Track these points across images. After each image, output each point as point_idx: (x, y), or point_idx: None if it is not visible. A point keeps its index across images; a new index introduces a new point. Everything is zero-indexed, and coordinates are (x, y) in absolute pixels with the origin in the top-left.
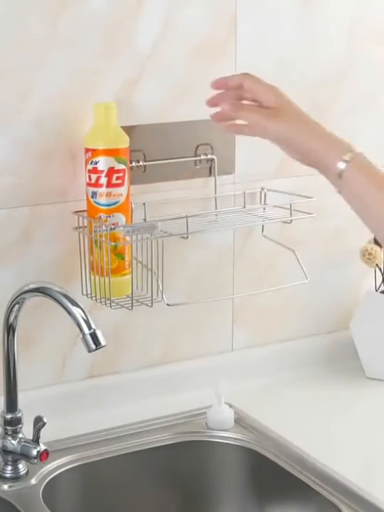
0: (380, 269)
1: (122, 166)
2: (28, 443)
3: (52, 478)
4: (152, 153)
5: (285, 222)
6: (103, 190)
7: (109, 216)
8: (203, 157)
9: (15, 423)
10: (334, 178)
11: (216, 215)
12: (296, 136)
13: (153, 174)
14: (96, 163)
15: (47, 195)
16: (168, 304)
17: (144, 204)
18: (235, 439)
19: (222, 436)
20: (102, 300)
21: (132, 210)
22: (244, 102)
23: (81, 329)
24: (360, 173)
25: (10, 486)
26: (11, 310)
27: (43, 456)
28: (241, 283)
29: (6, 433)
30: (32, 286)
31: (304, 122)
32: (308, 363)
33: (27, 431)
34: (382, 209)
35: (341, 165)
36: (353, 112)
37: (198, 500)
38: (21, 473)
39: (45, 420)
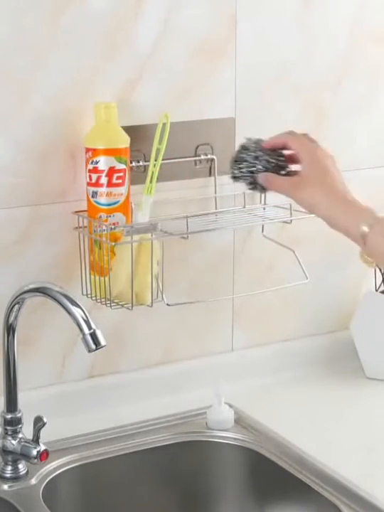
0: (380, 269)
1: (123, 166)
2: (28, 443)
3: (52, 478)
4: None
5: (285, 222)
6: (103, 189)
7: (110, 216)
8: (203, 157)
9: (15, 423)
10: (359, 244)
11: (216, 215)
12: (318, 205)
13: None
14: (96, 162)
15: (47, 195)
16: (168, 304)
17: None
18: (235, 439)
19: (222, 436)
20: (102, 300)
21: (132, 209)
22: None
23: (81, 329)
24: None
25: (10, 486)
26: (11, 310)
27: (43, 456)
28: (241, 283)
29: (6, 433)
30: (32, 286)
31: (327, 192)
32: (308, 363)
33: (27, 431)
34: None
35: (364, 231)
36: (353, 112)
37: (198, 500)
38: (21, 473)
39: (45, 420)
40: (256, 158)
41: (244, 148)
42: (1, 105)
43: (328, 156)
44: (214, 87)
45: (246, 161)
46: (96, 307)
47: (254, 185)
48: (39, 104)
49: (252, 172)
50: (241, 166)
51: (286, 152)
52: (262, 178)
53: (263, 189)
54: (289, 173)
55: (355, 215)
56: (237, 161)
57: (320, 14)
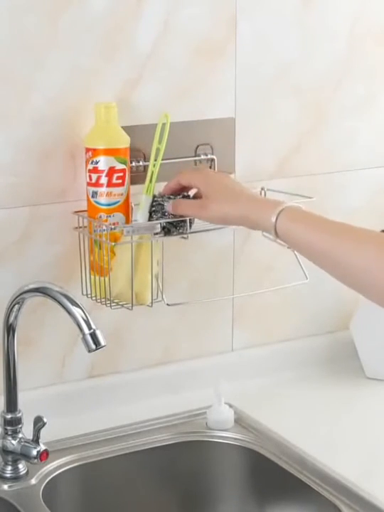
0: None
1: (123, 166)
2: (28, 443)
3: (52, 478)
4: None
5: None
6: (103, 189)
7: (110, 216)
8: (203, 157)
9: (15, 423)
10: (273, 235)
11: None
12: (227, 215)
13: None
14: (96, 162)
15: (47, 195)
16: (168, 304)
17: None
18: (235, 439)
19: (222, 436)
20: (102, 300)
21: (132, 209)
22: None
23: (81, 329)
24: (295, 222)
25: (10, 486)
26: (11, 310)
27: (43, 456)
28: (241, 283)
29: (6, 433)
30: (32, 286)
31: (230, 200)
32: (308, 363)
33: (27, 431)
34: (329, 248)
35: (272, 221)
36: (353, 112)
37: (198, 500)
38: (21, 473)
39: (45, 420)
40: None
41: (153, 203)
42: (1, 105)
43: (218, 173)
44: (214, 87)
45: (156, 212)
46: (96, 307)
47: (169, 229)
48: (39, 104)
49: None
50: (156, 217)
51: (191, 192)
52: (169, 206)
53: (179, 231)
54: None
55: (264, 209)
56: (155, 211)
57: (320, 14)
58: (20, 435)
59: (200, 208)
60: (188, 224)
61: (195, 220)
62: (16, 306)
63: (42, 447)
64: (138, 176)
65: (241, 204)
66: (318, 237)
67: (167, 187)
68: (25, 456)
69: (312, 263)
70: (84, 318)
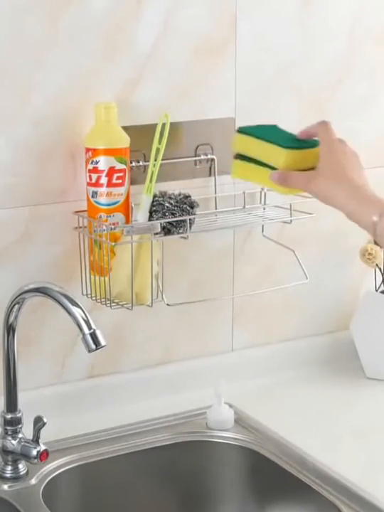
0: (380, 269)
1: (123, 166)
2: (28, 443)
3: (52, 478)
4: None
5: (285, 222)
6: (103, 189)
7: (109, 216)
8: (203, 157)
9: (15, 423)
10: (370, 232)
11: (216, 215)
12: (332, 197)
13: None
14: (96, 162)
15: (47, 195)
16: (168, 304)
17: None
18: (235, 439)
19: (222, 436)
20: (102, 300)
21: (132, 209)
22: None
23: (81, 329)
24: None
25: (10, 486)
26: (11, 310)
27: (43, 456)
28: (241, 283)
29: (6, 433)
30: (32, 286)
31: (340, 184)
32: (308, 363)
33: (27, 431)
34: None
35: (374, 220)
36: (353, 112)
37: (198, 500)
38: (21, 473)
39: (45, 420)
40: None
41: (153, 203)
42: (1, 105)
43: (346, 151)
44: (214, 87)
45: (157, 212)
46: (96, 307)
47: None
48: (39, 104)
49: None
50: (156, 217)
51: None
52: (276, 176)
53: (179, 231)
54: (193, 207)
55: (367, 206)
56: (155, 210)
57: (320, 14)
58: (20, 435)
59: (309, 180)
60: (188, 224)
61: (195, 220)
62: (16, 306)
63: (42, 447)
64: (138, 176)
65: (348, 192)
66: None
67: (306, 130)
68: (25, 456)
69: (314, 264)
70: (84, 318)
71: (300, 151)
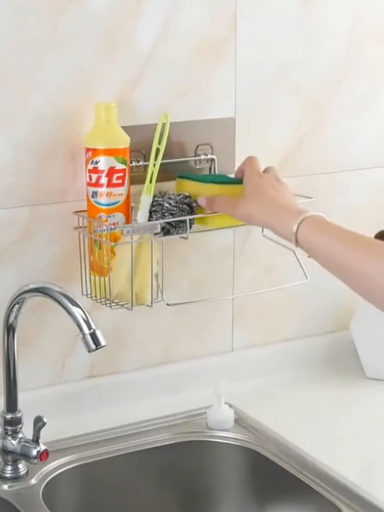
0: None
1: (123, 166)
2: (28, 443)
3: (52, 478)
4: None
5: None
6: (103, 190)
7: (110, 216)
8: (203, 157)
9: (15, 423)
10: (294, 243)
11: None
12: (253, 216)
13: None
14: (96, 162)
15: (47, 195)
16: (168, 304)
17: None
18: (235, 439)
19: (222, 436)
20: (102, 300)
21: (132, 209)
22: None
23: (81, 329)
24: (315, 233)
25: (10, 486)
26: (11, 310)
27: (43, 456)
28: (241, 283)
29: (6, 433)
30: (32, 286)
31: (260, 202)
32: (308, 363)
33: (27, 431)
34: (349, 261)
35: (293, 230)
36: (353, 112)
37: (198, 500)
38: (21, 473)
39: (45, 420)
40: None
41: (153, 203)
42: (1, 105)
43: (266, 176)
44: (214, 87)
45: (156, 212)
46: (96, 307)
47: (169, 229)
48: (39, 104)
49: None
50: (156, 217)
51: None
52: (203, 201)
53: (179, 231)
54: (192, 207)
55: (286, 218)
56: (154, 211)
57: (320, 14)
58: (20, 435)
59: (231, 205)
60: (188, 224)
61: (194, 220)
62: (16, 306)
63: (42, 447)
64: (138, 176)
65: (267, 209)
66: (336, 249)
67: (239, 170)
68: (25, 456)
69: (314, 264)
70: (84, 318)
71: (220, 186)
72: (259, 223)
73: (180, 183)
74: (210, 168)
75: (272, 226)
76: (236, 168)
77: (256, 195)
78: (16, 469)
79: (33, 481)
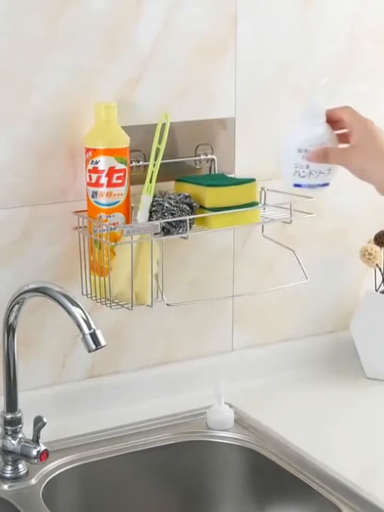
0: (380, 269)
1: (123, 166)
2: (28, 443)
3: (52, 478)
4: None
5: (285, 222)
6: (103, 189)
7: (110, 216)
8: (203, 157)
9: (15, 423)
10: None
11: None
12: (368, 171)
13: None
14: (96, 162)
15: (47, 195)
16: (168, 304)
17: None
18: (235, 439)
19: (222, 436)
20: (102, 300)
21: (132, 209)
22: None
23: (81, 329)
24: None
25: (10, 486)
26: (11, 310)
27: (43, 456)
28: (241, 283)
29: (6, 433)
30: (32, 286)
31: (377, 157)
32: (308, 363)
33: (27, 431)
34: None
35: None
36: None
37: (198, 500)
38: (21, 473)
39: (45, 420)
40: (162, 206)
41: (153, 203)
42: (1, 105)
43: (376, 127)
44: (214, 87)
45: (156, 212)
46: (96, 307)
47: (169, 229)
48: (39, 104)
49: (169, 214)
50: (156, 217)
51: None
52: (313, 154)
53: (179, 231)
54: (192, 207)
55: None
56: (155, 211)
57: (320, 14)
58: (20, 435)
59: (346, 156)
60: (188, 224)
61: (194, 221)
62: (16, 306)
63: (42, 447)
64: (138, 176)
65: (381, 164)
66: None
67: (329, 111)
68: (25, 456)
69: (314, 264)
70: (84, 318)
71: (220, 188)
72: (372, 179)
73: (179, 185)
74: (210, 168)
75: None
76: (236, 168)
77: (372, 149)
78: (15, 469)
79: (33, 481)
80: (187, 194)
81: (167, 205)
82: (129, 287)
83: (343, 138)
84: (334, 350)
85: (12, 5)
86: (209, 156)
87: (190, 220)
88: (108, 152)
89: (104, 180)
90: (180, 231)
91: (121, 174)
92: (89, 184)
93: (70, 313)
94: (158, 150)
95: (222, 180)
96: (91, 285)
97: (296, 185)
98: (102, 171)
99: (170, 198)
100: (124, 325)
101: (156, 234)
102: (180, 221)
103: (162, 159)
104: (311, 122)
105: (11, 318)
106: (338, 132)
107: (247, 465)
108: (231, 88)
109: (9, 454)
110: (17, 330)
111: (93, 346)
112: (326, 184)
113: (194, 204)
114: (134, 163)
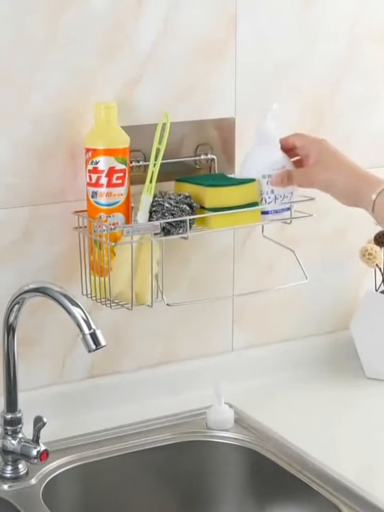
0: (380, 269)
1: (122, 166)
2: (28, 443)
3: (52, 478)
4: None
5: (285, 223)
6: (103, 190)
7: (109, 216)
8: (203, 157)
9: (15, 423)
10: (369, 211)
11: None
12: (332, 183)
13: None
14: (96, 163)
15: (47, 195)
16: (168, 304)
17: None
18: (235, 439)
19: (222, 436)
20: (102, 300)
21: (132, 209)
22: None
23: (81, 329)
24: None
25: (10, 486)
26: (11, 310)
27: (43, 456)
28: (241, 283)
29: (6, 433)
30: (32, 286)
31: (339, 169)
32: (308, 363)
33: (27, 431)
34: None
35: (372, 198)
36: (353, 112)
37: (198, 500)
38: (21, 473)
39: (45, 420)
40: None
41: (153, 203)
42: (1, 105)
43: (331, 144)
44: (214, 87)
45: (156, 212)
46: (96, 307)
47: (169, 229)
48: (39, 104)
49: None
50: (156, 217)
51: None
52: (277, 179)
53: (179, 231)
54: (192, 207)
55: (366, 185)
56: (155, 211)
57: (320, 14)
58: (20, 435)
59: (309, 176)
60: (188, 224)
61: (194, 221)
62: (16, 306)
63: (42, 447)
64: (138, 176)
65: (346, 174)
66: None
67: (282, 140)
68: (25, 456)
69: (314, 265)
70: (84, 318)
71: (220, 188)
72: (336, 191)
73: (179, 186)
74: (210, 168)
75: (349, 194)
76: (236, 169)
77: (333, 162)
78: (15, 469)
79: (33, 481)
80: (187, 194)
81: (167, 205)
82: (129, 287)
83: (298, 164)
84: (334, 350)
85: (12, 5)
86: (209, 156)
87: (190, 220)
88: (108, 152)
89: (104, 180)
90: (180, 231)
91: (121, 174)
92: (89, 184)
93: (70, 313)
94: (158, 150)
95: (222, 181)
96: (91, 285)
97: (264, 213)
98: (102, 171)
99: (170, 198)
100: (124, 325)
101: (156, 234)
102: (181, 221)
103: (162, 159)
104: (267, 148)
105: (11, 318)
106: (293, 160)
107: (247, 465)
108: (231, 88)
109: (9, 454)
110: (17, 330)
111: (93, 346)
112: (289, 208)
113: (194, 204)
114: (134, 164)
